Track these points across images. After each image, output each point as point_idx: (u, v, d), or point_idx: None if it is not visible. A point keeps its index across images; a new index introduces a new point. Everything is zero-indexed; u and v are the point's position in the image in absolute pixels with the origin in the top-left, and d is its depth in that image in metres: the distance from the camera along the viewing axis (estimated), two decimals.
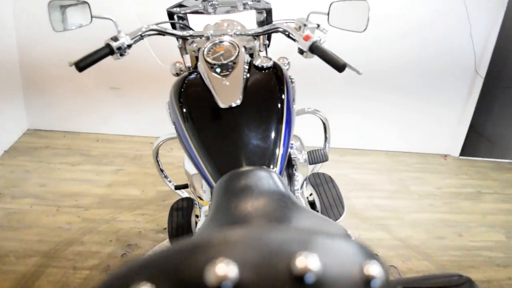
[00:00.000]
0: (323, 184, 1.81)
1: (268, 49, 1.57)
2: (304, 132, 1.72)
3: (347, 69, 1.17)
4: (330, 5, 1.32)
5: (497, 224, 2.50)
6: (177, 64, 1.46)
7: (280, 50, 1.46)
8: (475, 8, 2.77)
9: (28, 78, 2.86)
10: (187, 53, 1.49)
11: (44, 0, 1.19)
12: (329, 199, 1.72)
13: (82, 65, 1.21)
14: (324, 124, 1.75)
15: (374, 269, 0.27)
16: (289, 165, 1.38)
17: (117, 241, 2.00)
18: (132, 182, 2.48)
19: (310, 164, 1.69)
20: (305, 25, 1.32)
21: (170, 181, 1.78)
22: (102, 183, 2.45)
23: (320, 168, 1.89)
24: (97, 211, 2.20)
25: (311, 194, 1.80)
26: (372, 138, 3.23)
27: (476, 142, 3.89)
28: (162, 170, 1.76)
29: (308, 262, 0.25)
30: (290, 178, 1.38)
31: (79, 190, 2.36)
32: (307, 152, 1.71)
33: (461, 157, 3.31)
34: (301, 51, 1.28)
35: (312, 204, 1.74)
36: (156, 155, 1.70)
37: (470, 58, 2.95)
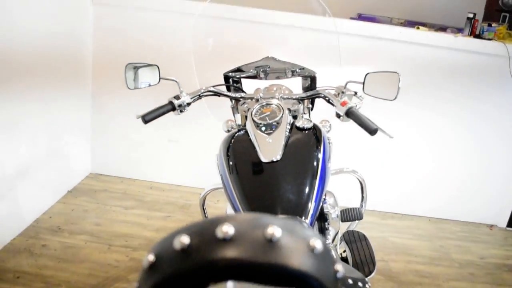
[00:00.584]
0: (356, 242, 1.88)
1: (311, 112, 1.74)
2: (344, 192, 1.83)
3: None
4: (366, 76, 1.47)
5: None
6: (229, 122, 1.66)
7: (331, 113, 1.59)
8: None
9: (97, 126, 3.17)
10: (238, 113, 1.68)
11: (118, 60, 1.42)
12: (361, 256, 1.78)
13: (148, 118, 1.41)
14: (361, 184, 1.85)
15: (317, 244, 0.41)
16: (322, 219, 1.48)
17: None
18: None
19: (344, 221, 1.78)
20: (343, 92, 1.47)
21: None
22: (152, 227, 2.63)
23: (355, 226, 1.97)
24: (145, 252, 2.35)
25: (344, 251, 1.87)
26: (416, 204, 3.25)
27: None
28: (206, 217, 1.91)
29: (274, 230, 0.40)
30: (322, 231, 1.48)
31: (130, 232, 2.54)
32: (343, 210, 1.80)
33: (509, 228, 3.24)
34: (338, 115, 1.43)
35: (345, 260, 1.81)
36: (203, 203, 1.86)
37: None
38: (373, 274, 1.69)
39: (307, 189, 1.18)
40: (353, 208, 1.84)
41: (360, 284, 0.90)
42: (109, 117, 3.14)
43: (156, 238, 2.46)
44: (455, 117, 3.03)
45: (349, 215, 1.82)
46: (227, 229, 0.41)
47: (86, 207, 2.78)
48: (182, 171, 3.25)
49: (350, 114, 1.37)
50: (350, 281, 0.83)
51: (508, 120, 2.99)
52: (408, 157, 3.13)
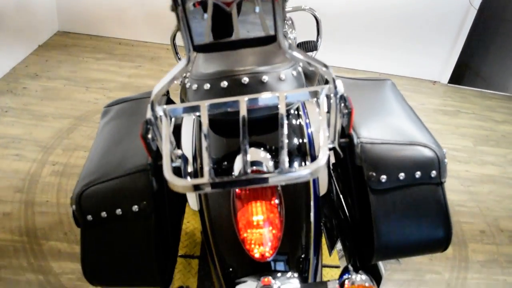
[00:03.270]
0: None
1: None
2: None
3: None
4: None
5: (467, 134, 2.84)
6: None
7: None
8: None
9: None
10: None
11: None
12: None
13: None
14: (317, 21, 2.06)
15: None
16: None
17: None
18: (149, 76, 2.84)
19: None
20: None
21: None
22: (124, 74, 2.82)
23: None
24: (120, 92, 2.57)
25: None
26: (368, 61, 3.53)
27: (465, 74, 4.20)
28: (177, 53, 2.10)
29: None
30: None
31: (104, 77, 2.73)
32: (300, 42, 2.03)
33: (449, 84, 3.61)
34: None
35: None
36: (174, 38, 2.03)
37: None
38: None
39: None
40: (310, 41, 2.07)
41: None
42: None
43: (130, 83, 2.68)
44: None
45: (306, 46, 2.05)
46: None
47: (59, 59, 2.91)
48: (150, 28, 3.35)
49: None
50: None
51: None
52: (363, 16, 3.33)
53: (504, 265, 1.82)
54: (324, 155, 0.62)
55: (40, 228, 1.68)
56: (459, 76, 3.89)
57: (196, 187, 0.61)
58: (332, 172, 1.25)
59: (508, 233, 2.01)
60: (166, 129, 0.73)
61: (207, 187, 0.61)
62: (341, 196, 1.18)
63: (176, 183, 0.61)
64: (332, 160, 1.28)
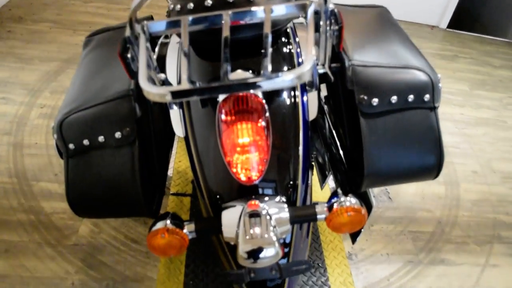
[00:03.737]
0: None
1: None
2: None
3: None
4: None
5: (464, 78, 2.80)
6: None
7: None
8: None
9: None
10: None
11: None
12: None
13: None
14: None
15: None
16: None
17: None
18: None
19: None
20: None
21: None
22: (112, 16, 2.72)
23: None
24: None
25: None
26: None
27: (464, 19, 4.10)
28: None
29: None
30: None
31: (92, 20, 2.64)
32: None
33: (448, 29, 3.53)
34: None
35: None
36: None
37: None
38: None
39: None
40: None
41: None
42: None
43: None
44: None
45: None
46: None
47: (45, 1, 2.80)
48: None
49: None
50: None
51: None
52: None
53: (495, 204, 1.83)
54: (309, 61, 0.59)
55: (30, 170, 1.66)
56: (458, 21, 3.80)
57: (174, 95, 0.58)
58: (324, 105, 1.22)
59: (500, 174, 2.01)
60: (143, 43, 0.69)
61: (185, 94, 0.58)
62: (333, 130, 1.16)
63: (152, 90, 0.58)
64: (324, 93, 1.25)
